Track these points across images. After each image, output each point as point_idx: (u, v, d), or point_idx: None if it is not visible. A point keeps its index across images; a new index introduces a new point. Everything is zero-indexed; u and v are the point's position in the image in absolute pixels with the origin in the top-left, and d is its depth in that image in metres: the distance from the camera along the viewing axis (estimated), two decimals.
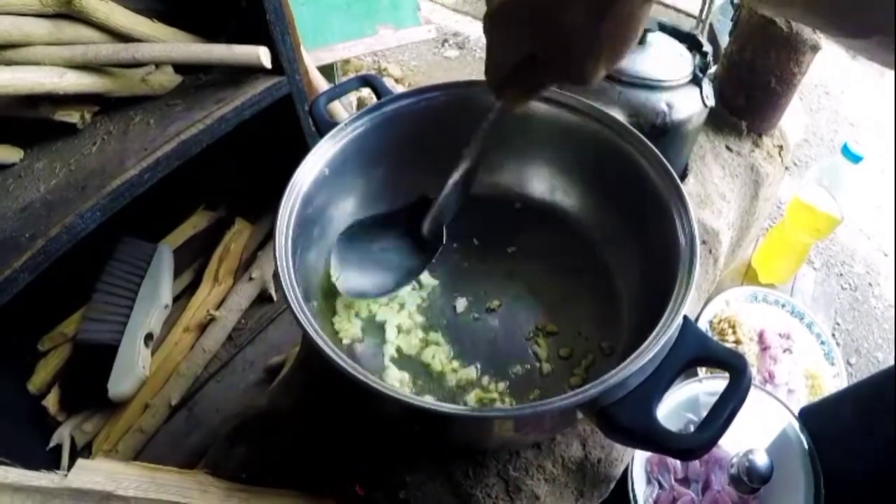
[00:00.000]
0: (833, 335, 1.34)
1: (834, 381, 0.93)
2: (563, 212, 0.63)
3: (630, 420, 0.38)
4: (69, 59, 0.70)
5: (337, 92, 0.61)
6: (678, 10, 1.84)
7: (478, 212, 0.64)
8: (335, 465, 0.52)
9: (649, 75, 0.61)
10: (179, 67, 0.81)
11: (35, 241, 0.66)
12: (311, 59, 1.21)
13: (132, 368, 0.87)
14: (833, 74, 2.11)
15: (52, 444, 0.86)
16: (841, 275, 1.46)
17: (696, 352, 0.42)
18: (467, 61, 2.02)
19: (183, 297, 0.99)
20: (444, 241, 0.56)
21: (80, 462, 0.40)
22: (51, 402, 0.88)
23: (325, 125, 0.57)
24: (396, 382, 0.52)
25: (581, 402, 0.37)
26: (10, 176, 0.73)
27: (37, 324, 0.95)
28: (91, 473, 0.40)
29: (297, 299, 0.43)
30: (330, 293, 0.56)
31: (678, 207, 0.48)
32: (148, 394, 0.88)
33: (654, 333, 0.41)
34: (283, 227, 0.48)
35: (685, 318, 0.43)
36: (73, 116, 0.76)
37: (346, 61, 1.67)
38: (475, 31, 2.12)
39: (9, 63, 0.67)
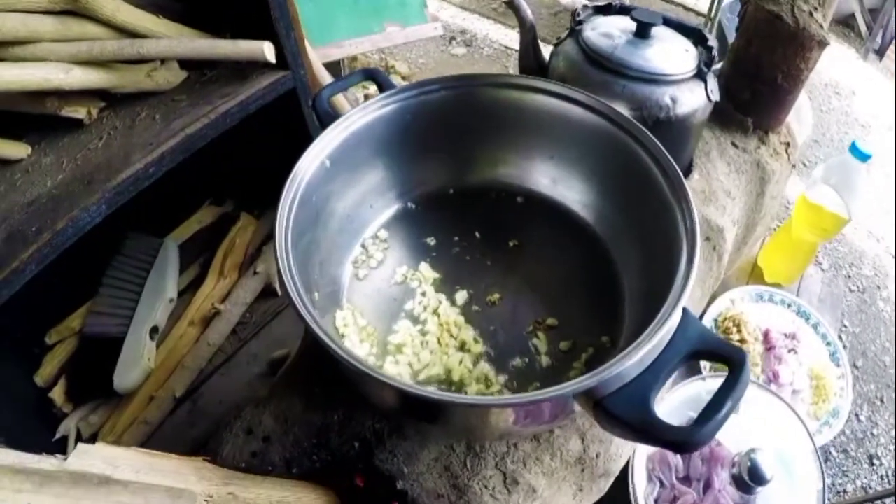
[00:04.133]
0: (840, 337, 1.33)
1: (839, 382, 0.92)
2: (566, 205, 0.63)
3: (627, 412, 0.38)
4: (75, 55, 0.70)
5: (340, 85, 0.61)
6: (687, 9, 1.84)
7: (480, 205, 0.65)
8: (336, 456, 0.52)
9: (653, 69, 0.61)
10: (185, 63, 0.82)
11: (41, 234, 0.67)
12: (319, 56, 1.22)
13: (137, 361, 0.88)
14: (843, 75, 2.09)
15: (58, 435, 0.87)
16: (849, 276, 1.45)
17: (695, 345, 0.41)
18: (474, 59, 2.02)
19: (188, 292, 0.99)
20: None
21: (81, 447, 0.40)
22: (57, 393, 0.89)
23: (327, 118, 0.57)
24: (395, 373, 0.52)
25: (577, 392, 0.37)
26: (17, 171, 0.74)
27: (44, 318, 0.96)
28: (90, 458, 0.40)
29: (297, 289, 0.44)
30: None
31: (679, 200, 0.48)
32: (153, 386, 0.89)
33: (652, 325, 0.40)
34: (283, 218, 0.48)
35: (685, 310, 0.43)
36: (79, 112, 0.76)
37: (354, 58, 1.68)
38: (482, 29, 2.12)
39: (17, 59, 0.67)
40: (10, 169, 0.74)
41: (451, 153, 0.63)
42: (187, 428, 0.89)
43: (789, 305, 0.98)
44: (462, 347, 0.54)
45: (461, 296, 0.58)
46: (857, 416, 1.24)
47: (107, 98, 0.79)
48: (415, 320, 0.56)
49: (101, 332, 0.91)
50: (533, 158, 0.63)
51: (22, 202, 0.70)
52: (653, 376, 0.40)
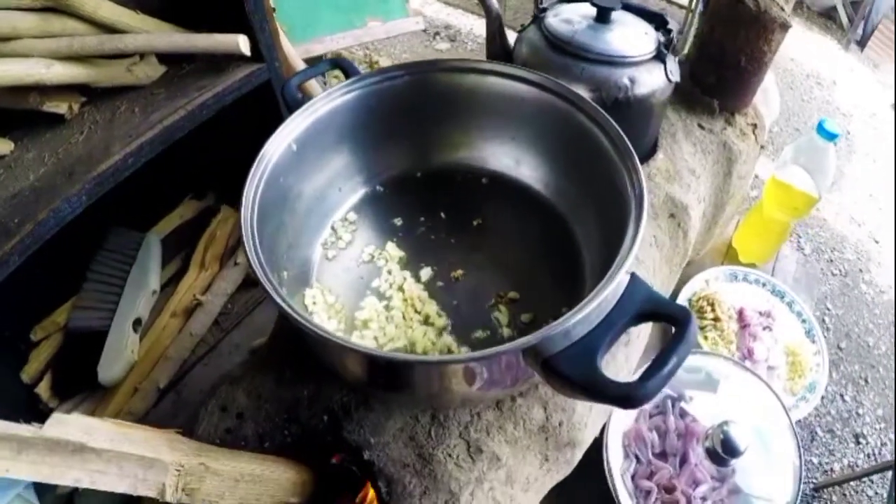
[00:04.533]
0: (823, 320, 1.34)
1: (815, 357, 0.94)
2: (528, 184, 0.65)
3: (572, 370, 0.39)
4: (55, 50, 0.72)
5: (308, 74, 0.63)
6: (670, 2, 1.85)
7: (446, 186, 0.66)
8: (306, 429, 0.54)
9: (612, 52, 0.62)
10: (163, 58, 0.84)
11: (24, 225, 0.68)
12: (301, 52, 1.23)
13: (121, 353, 0.89)
14: (824, 66, 2.11)
15: None
16: (831, 261, 1.46)
17: (643, 306, 0.43)
18: (458, 54, 2.03)
19: (171, 284, 1.01)
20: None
21: (56, 416, 0.41)
22: (43, 389, 0.90)
23: (295, 105, 0.59)
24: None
25: (523, 349, 0.38)
26: (0, 167, 0.75)
27: (30, 314, 0.97)
28: (66, 426, 0.41)
29: (262, 266, 0.45)
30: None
31: (629, 169, 0.49)
32: (137, 378, 0.90)
33: (598, 287, 0.42)
34: (249, 201, 0.50)
35: (633, 275, 0.45)
36: (60, 107, 0.78)
37: (338, 54, 1.70)
38: (466, 24, 2.14)
39: None
40: None
41: (416, 137, 0.65)
42: (171, 418, 0.90)
43: (764, 285, 0.99)
44: (426, 321, 0.55)
45: (426, 272, 0.59)
46: (841, 396, 1.25)
47: (88, 93, 0.81)
48: (380, 296, 0.58)
49: (85, 326, 0.92)
50: (495, 140, 0.65)
51: (5, 196, 0.71)
52: (599, 336, 0.41)
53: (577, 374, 0.39)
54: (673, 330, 0.41)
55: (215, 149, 0.94)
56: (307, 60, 1.21)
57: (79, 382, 0.91)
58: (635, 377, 0.67)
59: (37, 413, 0.91)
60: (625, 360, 0.61)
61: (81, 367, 0.90)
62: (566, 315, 0.40)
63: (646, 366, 0.78)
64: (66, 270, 0.95)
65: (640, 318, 0.43)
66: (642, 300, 0.43)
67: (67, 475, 0.40)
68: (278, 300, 0.42)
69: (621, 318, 0.42)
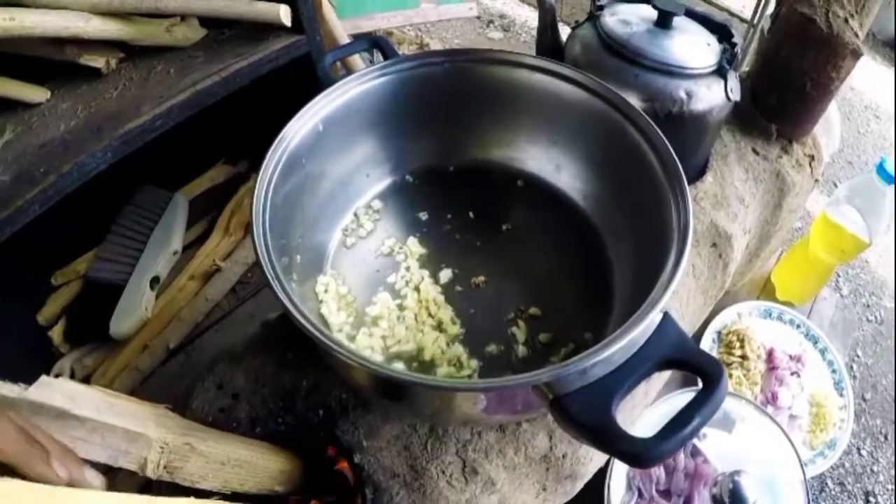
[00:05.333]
0: (851, 367, 1.27)
1: (840, 413, 0.88)
2: (566, 194, 0.61)
3: (584, 413, 0.36)
4: (95, 5, 0.71)
5: (344, 51, 0.60)
6: (732, 14, 1.76)
7: (479, 185, 0.63)
8: (300, 421, 0.52)
9: (669, 60, 0.58)
10: (206, 21, 0.82)
11: (48, 175, 0.69)
12: (349, 27, 1.21)
13: (135, 309, 0.90)
14: (885, 98, 1.98)
15: (52, 374, 0.89)
16: (868, 306, 1.38)
17: (671, 352, 0.39)
18: (511, 44, 1.97)
19: (194, 247, 1.00)
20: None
21: (43, 379, 0.40)
22: (56, 333, 0.91)
23: (328, 82, 0.56)
24: (367, 345, 0.51)
25: (532, 385, 0.35)
26: (35, 114, 0.76)
27: (53, 259, 0.98)
28: (51, 391, 0.40)
29: (268, 252, 0.44)
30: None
31: (676, 196, 0.45)
32: (148, 335, 0.90)
33: (624, 325, 0.38)
34: (265, 179, 0.48)
35: (666, 314, 0.41)
36: (98, 62, 0.77)
37: (390, 33, 1.67)
38: (521, 15, 2.08)
39: (38, 6, 0.69)
40: (29, 112, 0.76)
41: (452, 129, 0.62)
42: (177, 379, 0.90)
43: (798, 326, 0.94)
44: (438, 327, 0.53)
45: (445, 274, 0.56)
46: (858, 450, 1.19)
47: (127, 50, 0.80)
48: (395, 294, 0.55)
49: (103, 278, 0.92)
50: (536, 141, 0.61)
51: (35, 144, 0.72)
52: (618, 380, 0.37)
53: (588, 419, 0.36)
54: (700, 382, 0.37)
55: (251, 117, 0.93)
56: (355, 37, 1.18)
57: (90, 332, 0.92)
58: (648, 412, 0.64)
59: (48, 356, 0.92)
60: (643, 394, 0.58)
61: (95, 318, 0.91)
62: (586, 353, 0.36)
63: (663, 398, 0.75)
64: (92, 221, 0.96)
65: (665, 365, 0.39)
66: (672, 345, 0.39)
67: None
68: (280, 294, 0.40)
69: (645, 362, 0.38)
